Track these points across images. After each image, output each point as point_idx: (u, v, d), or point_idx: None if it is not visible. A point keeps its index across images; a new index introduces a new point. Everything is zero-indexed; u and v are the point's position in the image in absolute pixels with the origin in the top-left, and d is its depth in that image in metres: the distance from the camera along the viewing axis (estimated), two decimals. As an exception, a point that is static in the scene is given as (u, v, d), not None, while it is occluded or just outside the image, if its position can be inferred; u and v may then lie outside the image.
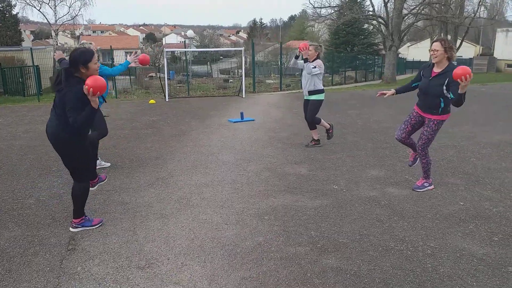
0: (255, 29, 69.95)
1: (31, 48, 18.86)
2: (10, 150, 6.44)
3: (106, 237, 3.35)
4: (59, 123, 3.16)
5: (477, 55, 49.05)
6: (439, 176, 4.78)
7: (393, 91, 4.46)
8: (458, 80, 3.54)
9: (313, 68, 5.84)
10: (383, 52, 29.46)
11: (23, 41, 41.37)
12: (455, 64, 3.97)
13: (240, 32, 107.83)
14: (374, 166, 5.27)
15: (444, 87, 3.92)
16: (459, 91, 3.65)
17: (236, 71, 36.05)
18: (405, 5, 23.42)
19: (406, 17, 23.97)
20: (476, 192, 4.31)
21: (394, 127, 7.72)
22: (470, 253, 3.03)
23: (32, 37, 60.10)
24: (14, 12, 39.57)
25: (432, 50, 4.00)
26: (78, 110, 3.01)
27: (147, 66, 5.26)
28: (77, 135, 3.19)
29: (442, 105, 4.02)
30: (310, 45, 6.00)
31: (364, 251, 3.08)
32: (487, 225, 3.49)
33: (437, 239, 3.25)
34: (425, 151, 4.24)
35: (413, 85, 4.34)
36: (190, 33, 34.86)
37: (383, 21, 23.38)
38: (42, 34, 64.77)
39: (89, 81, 2.98)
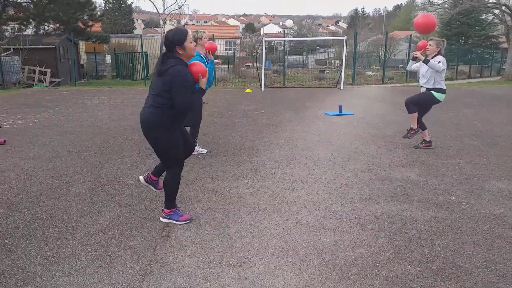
0: (356, 19, 67.25)
1: (141, 36, 20.36)
2: (118, 130, 6.86)
3: (199, 227, 3.26)
4: (153, 110, 3.06)
5: None
6: None
7: None
8: None
9: (438, 63, 5.08)
10: (504, 45, 26.02)
11: (135, 29, 45.26)
12: None
13: (339, 22, 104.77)
14: (500, 177, 4.46)
15: None
16: None
17: (332, 61, 34.99)
18: (537, -9, 20.25)
19: (537, 5, 20.72)
20: None
21: (523, 132, 6.59)
22: None
23: (143, 26, 65.38)
24: (128, 2, 43.38)
25: None
26: (189, 88, 2.97)
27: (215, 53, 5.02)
28: (171, 122, 3.08)
29: None
30: (430, 40, 5.29)
31: (492, 283, 2.52)
32: None
33: None
34: None
35: None
36: (289, 22, 34.61)
37: (508, 10, 20.50)
38: (152, 23, 70.08)
39: (193, 68, 2.99)
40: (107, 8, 43.41)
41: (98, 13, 25.50)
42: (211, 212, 3.52)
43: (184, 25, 55.86)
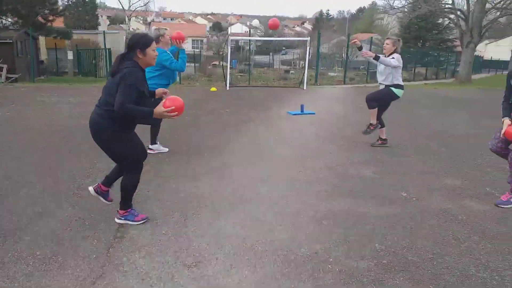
0: (321, 21, 68.40)
1: (104, 32, 19.80)
2: (77, 129, 6.64)
3: (156, 227, 3.22)
4: (102, 112, 2.96)
5: None
6: (529, 192, 4.12)
7: (507, 119, 3.67)
8: None
9: (391, 59, 5.28)
10: (458, 49, 27.32)
11: (100, 25, 43.91)
12: None
13: (305, 23, 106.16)
14: (449, 174, 4.70)
15: None
16: None
17: (298, 62, 35.42)
18: (489, -2, 21.39)
19: (489, 12, 21.89)
20: None
21: (473, 133, 6.96)
22: None
23: (108, 22, 63.57)
24: (93, -2, 42.08)
25: None
26: (131, 92, 2.81)
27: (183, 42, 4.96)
28: (121, 124, 2.96)
29: None
30: (387, 39, 5.53)
31: (438, 275, 2.65)
32: None
33: (530, 270, 2.72)
34: None
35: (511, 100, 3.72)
36: (255, 22, 34.79)
37: (462, 15, 21.55)
38: (117, 19, 68.26)
39: (170, 102, 2.87)
40: (70, 3, 41.87)
41: (60, 7, 24.56)
42: (169, 212, 3.49)
43: (150, 22, 54.81)
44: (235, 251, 2.87)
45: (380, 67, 5.52)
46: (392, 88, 5.47)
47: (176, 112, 2.87)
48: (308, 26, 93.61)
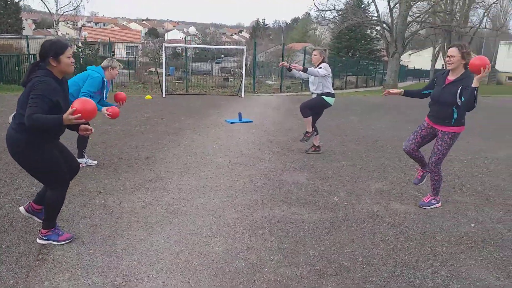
0: (258, 29, 69.61)
1: (27, 37, 18.48)
2: (-7, 141, 6.07)
3: (82, 246, 3.02)
4: (16, 127, 2.73)
5: (479, 66, 48.88)
6: (447, 193, 4.47)
7: (401, 90, 4.10)
8: (476, 73, 3.31)
9: (319, 69, 5.52)
10: (385, 58, 29.22)
11: (24, 29, 40.94)
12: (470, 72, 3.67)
13: (242, 32, 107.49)
14: (377, 178, 4.95)
15: (458, 95, 3.61)
16: (472, 84, 3.40)
17: (236, 70, 35.72)
18: (410, 12, 23.17)
19: (410, 25, 23.72)
20: (487, 212, 4.00)
21: (398, 136, 7.42)
22: (485, 285, 2.72)
23: (34, 26, 59.53)
24: (15, 0, 39.19)
25: (448, 56, 3.68)
26: (41, 103, 2.58)
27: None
28: (40, 138, 2.75)
29: (455, 115, 3.71)
30: (314, 50, 5.78)
31: (367, 277, 2.76)
32: (502, 251, 3.18)
33: (448, 266, 2.93)
34: (438, 168, 3.92)
35: (424, 92, 4.02)
36: (192, 29, 34.40)
37: (387, 27, 23.11)
38: (44, 23, 64.11)
39: (77, 103, 2.55)
40: (-10, 5, 38.56)
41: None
42: (97, 229, 3.29)
43: (81, 27, 52.16)
44: (168, 267, 2.78)
45: (311, 78, 5.73)
46: (324, 97, 5.69)
47: (80, 115, 2.52)
48: (246, 34, 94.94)
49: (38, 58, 2.78)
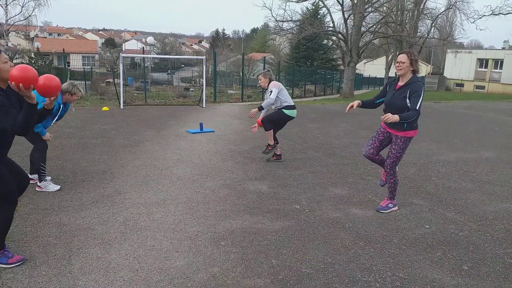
0: (218, 39, 69.86)
1: (-27, 47, 17.46)
2: None
3: (35, 268, 2.85)
4: None
5: (428, 73, 51.61)
6: (402, 196, 4.65)
7: (359, 102, 4.20)
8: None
9: (269, 95, 5.64)
10: (342, 67, 30.14)
11: (-31, 39, 38.72)
12: (419, 77, 3.88)
13: (202, 42, 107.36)
14: (337, 184, 5.06)
15: (407, 100, 3.78)
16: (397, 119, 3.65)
17: (197, 80, 35.53)
18: (363, 23, 24.07)
19: (364, 35, 24.63)
20: (440, 213, 4.18)
21: (355, 143, 7.65)
22: (441, 285, 2.83)
23: (-20, 36, 56.38)
24: (-42, 9, 37.07)
25: (397, 62, 3.85)
26: (8, 110, 2.47)
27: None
28: None
29: None
30: (259, 75, 5.92)
31: (329, 284, 2.79)
32: (455, 251, 3.33)
33: (405, 268, 3.03)
34: (394, 170, 4.08)
35: (377, 101, 4.18)
36: (150, 39, 33.95)
37: (342, 37, 23.88)
38: (-9, 33, 60.87)
39: (14, 71, 2.38)
40: None
41: None
42: (51, 249, 3.13)
43: (33, 38, 49.95)
44: (127, 285, 2.68)
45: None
46: (283, 110, 5.77)
47: (15, 83, 2.36)
48: (206, 44, 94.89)
49: None
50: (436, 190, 4.99)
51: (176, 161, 5.98)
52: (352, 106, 4.15)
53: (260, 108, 5.70)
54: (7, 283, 2.66)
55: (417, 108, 3.71)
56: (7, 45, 28.19)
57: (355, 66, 24.31)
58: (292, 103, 5.84)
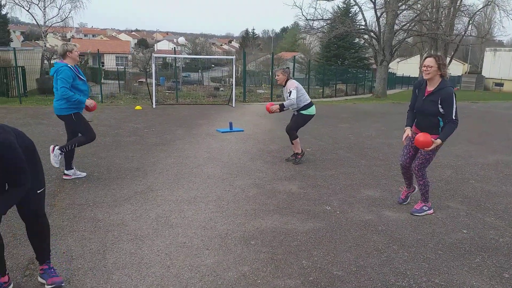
0: (247, 39, 70.06)
1: (14, 49, 18.31)
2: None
3: (71, 261, 2.94)
4: None
5: (465, 73, 49.81)
6: (438, 199, 4.49)
7: (409, 129, 4.00)
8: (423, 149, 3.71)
9: (288, 95, 5.63)
10: (374, 66, 29.56)
11: (12, 41, 40.64)
12: (448, 81, 3.74)
13: (232, 42, 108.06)
14: (369, 186, 4.95)
15: (440, 105, 3.67)
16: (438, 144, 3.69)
17: (227, 79, 35.80)
18: (396, 21, 23.50)
19: (397, 33, 24.05)
20: (479, 218, 4.01)
21: (388, 143, 7.46)
22: (480, 292, 2.70)
23: (22, 38, 59.09)
24: (3, 12, 38.96)
25: (425, 66, 3.73)
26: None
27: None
28: None
29: (442, 123, 3.75)
30: (276, 71, 5.89)
31: (361, 287, 2.73)
32: (495, 258, 3.17)
33: (442, 274, 2.92)
34: (422, 172, 3.95)
35: (415, 112, 4.03)
36: (181, 40, 34.40)
37: (375, 36, 23.41)
38: (32, 35, 63.70)
39: None
40: (-23, 17, 38.26)
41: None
42: (86, 243, 3.22)
43: (70, 39, 51.87)
44: (158, 281, 2.72)
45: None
46: (302, 112, 5.79)
47: None
48: (236, 44, 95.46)
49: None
50: (474, 193, 4.79)
51: (206, 159, 6.03)
52: (408, 136, 4.02)
53: (282, 107, 5.70)
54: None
55: (454, 117, 3.63)
56: (45, 46, 29.31)
57: (388, 65, 23.78)
58: (309, 100, 5.84)
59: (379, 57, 22.97)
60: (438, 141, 3.59)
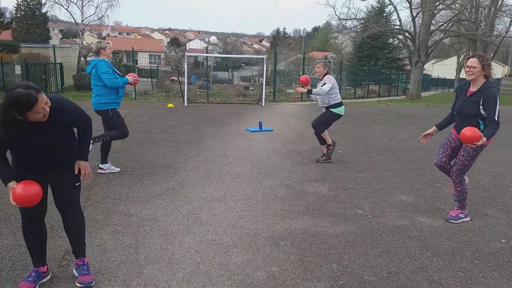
0: (278, 39, 69.90)
1: (53, 46, 19.05)
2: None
3: (104, 254, 3.03)
4: None
5: (505, 75, 47.72)
6: (475, 207, 4.32)
7: (434, 128, 3.97)
8: (469, 144, 3.41)
9: (322, 86, 5.60)
10: (408, 67, 28.79)
11: (51, 39, 42.34)
12: (492, 82, 3.59)
13: (263, 41, 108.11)
14: (402, 190, 4.82)
15: (481, 107, 3.52)
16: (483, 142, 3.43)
17: (257, 79, 35.88)
18: (433, 21, 22.77)
19: (433, 33, 23.31)
20: (519, 228, 3.82)
21: (422, 147, 7.24)
22: (520, 306, 2.58)
23: (60, 36, 61.46)
24: (43, 11, 40.63)
25: (467, 67, 3.59)
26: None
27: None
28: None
29: (482, 127, 3.59)
30: (318, 63, 5.88)
31: (393, 293, 2.66)
32: (537, 271, 3.02)
33: (478, 284, 2.80)
34: (460, 178, 3.81)
35: (455, 113, 3.89)
36: (213, 39, 34.78)
37: (410, 36, 22.78)
38: (70, 33, 66.18)
39: (18, 188, 2.31)
40: (19, 15, 40.11)
41: (8, 20, 23.40)
42: (119, 237, 3.30)
43: (105, 37, 53.52)
44: (189, 278, 2.75)
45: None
46: (331, 110, 5.76)
47: (15, 202, 2.32)
48: (266, 43, 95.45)
49: None
50: (514, 202, 4.58)
51: (235, 158, 6.06)
52: (427, 136, 3.95)
53: (309, 92, 5.68)
54: (80, 266, 2.84)
55: (496, 119, 3.48)
56: (82, 43, 30.33)
57: (423, 66, 23.10)
58: (339, 100, 5.81)
59: (414, 58, 22.34)
60: (484, 139, 3.40)
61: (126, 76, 4.94)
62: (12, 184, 2.35)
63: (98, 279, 2.68)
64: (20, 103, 2.13)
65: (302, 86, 5.88)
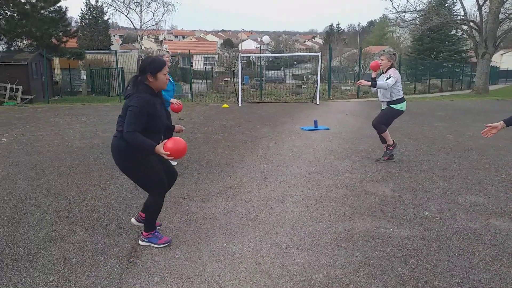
0: (332, 35, 68.65)
1: (116, 51, 20.15)
2: (89, 149, 6.66)
3: (169, 251, 3.13)
4: (119, 135, 2.94)
5: None
6: (558, 209, 3.92)
7: (501, 123, 3.43)
8: None
9: (386, 79, 5.35)
10: (473, 59, 26.96)
11: (112, 44, 44.94)
12: None
13: (316, 38, 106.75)
14: (472, 191, 4.51)
15: None
16: None
17: (309, 76, 35.45)
18: (502, 9, 21.11)
19: (502, 22, 21.62)
20: None
21: (493, 145, 6.74)
22: None
23: (120, 42, 64.98)
24: (105, 18, 43.20)
25: None
26: (139, 119, 2.80)
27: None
28: (137, 148, 2.90)
29: None
30: (382, 55, 5.60)
31: (467, 302, 2.48)
32: None
33: None
34: None
35: None
36: (266, 38, 34.96)
37: (475, 26, 21.31)
38: (129, 38, 69.76)
39: (170, 144, 2.80)
40: (83, 24, 43.02)
41: (74, 28, 25.16)
42: (182, 235, 3.40)
43: (162, 41, 55.76)
44: (250, 277, 2.76)
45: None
46: (393, 106, 5.51)
47: (169, 153, 2.79)
48: (319, 40, 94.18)
49: (138, 72, 2.97)
50: None
51: (291, 157, 6.02)
52: (493, 129, 3.44)
53: (373, 85, 5.42)
54: (146, 263, 2.96)
55: None
56: (141, 48, 31.81)
57: (491, 58, 21.51)
58: (401, 95, 5.53)
59: (480, 50, 20.86)
60: None
61: (171, 100, 5.15)
62: (159, 147, 2.79)
63: (163, 276, 2.77)
64: (155, 61, 2.92)
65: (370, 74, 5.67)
